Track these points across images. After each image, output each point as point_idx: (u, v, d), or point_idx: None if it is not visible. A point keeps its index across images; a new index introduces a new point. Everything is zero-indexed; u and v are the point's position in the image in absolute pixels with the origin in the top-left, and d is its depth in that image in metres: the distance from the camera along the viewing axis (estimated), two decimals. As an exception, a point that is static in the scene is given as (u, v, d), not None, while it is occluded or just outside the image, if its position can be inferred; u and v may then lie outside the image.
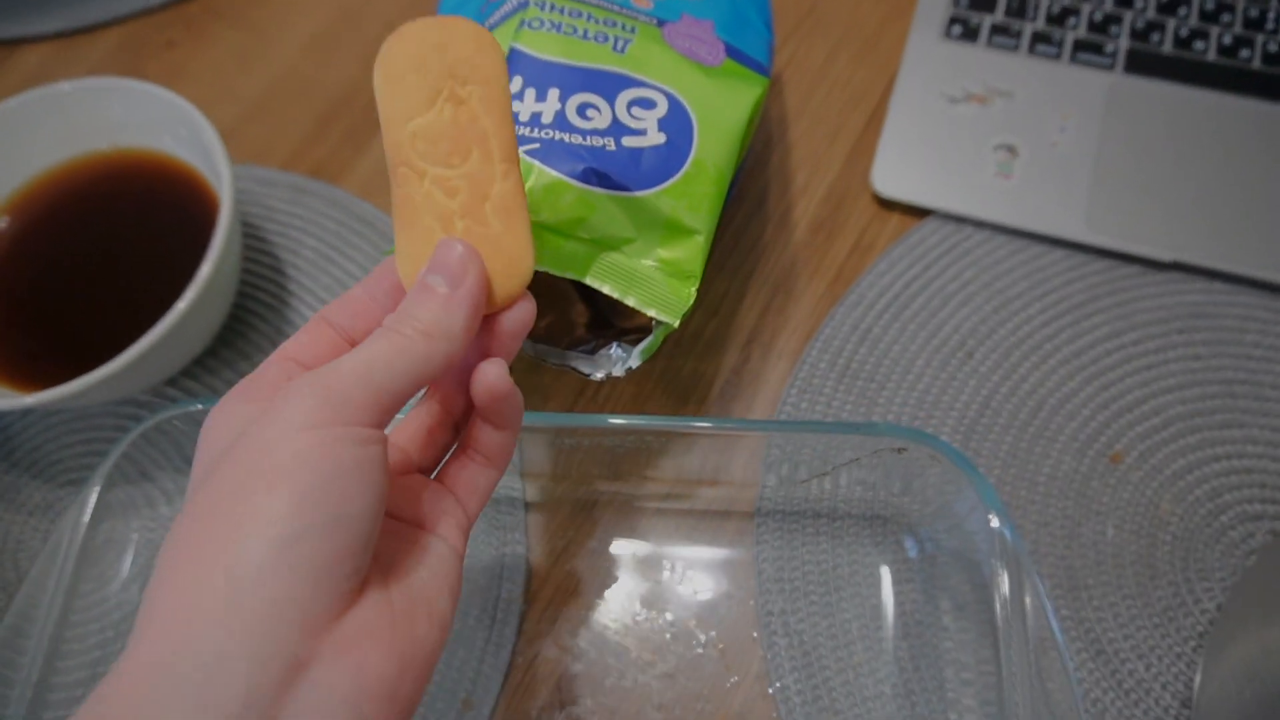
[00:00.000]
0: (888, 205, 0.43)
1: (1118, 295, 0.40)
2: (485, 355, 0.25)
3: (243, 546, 0.19)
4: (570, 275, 0.31)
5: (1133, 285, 0.40)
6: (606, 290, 0.31)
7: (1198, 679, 0.32)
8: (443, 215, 0.24)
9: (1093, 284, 0.40)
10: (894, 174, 0.42)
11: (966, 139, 0.42)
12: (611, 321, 0.35)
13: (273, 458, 0.20)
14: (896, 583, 0.35)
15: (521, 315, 0.25)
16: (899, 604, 0.34)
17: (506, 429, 0.25)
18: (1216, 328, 0.39)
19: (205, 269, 0.36)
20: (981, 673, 0.33)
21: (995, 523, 0.30)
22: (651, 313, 0.31)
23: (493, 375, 0.24)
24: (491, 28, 0.34)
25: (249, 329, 0.42)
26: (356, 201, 0.45)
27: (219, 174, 0.38)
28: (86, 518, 0.34)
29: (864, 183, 0.43)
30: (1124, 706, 0.33)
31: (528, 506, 0.37)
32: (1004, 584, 0.30)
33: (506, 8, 0.34)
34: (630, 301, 0.31)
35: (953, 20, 0.45)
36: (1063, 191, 0.41)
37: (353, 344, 0.24)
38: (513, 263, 0.24)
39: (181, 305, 0.35)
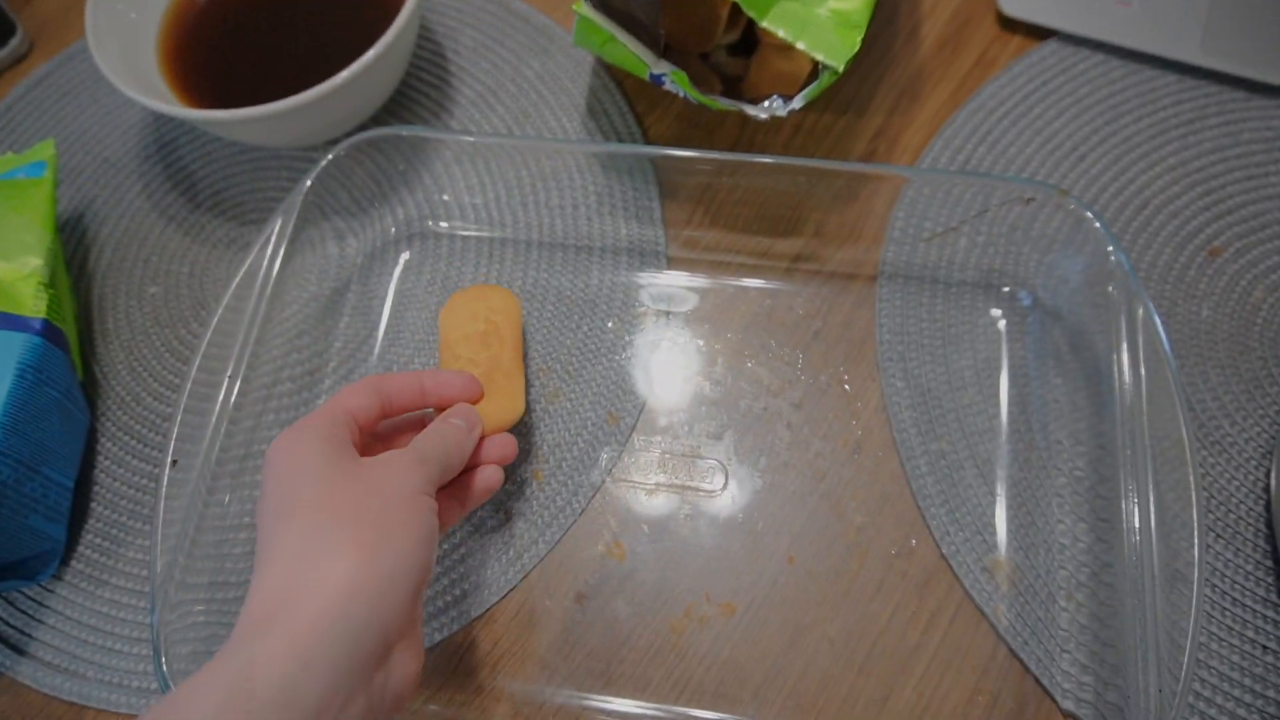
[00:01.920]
0: (1010, 26, 0.46)
1: (1226, 115, 0.43)
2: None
3: (384, 560, 0.26)
4: (751, 14, 0.35)
5: (1242, 106, 0.43)
6: (781, 34, 0.35)
7: (1278, 432, 0.36)
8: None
9: (1202, 104, 0.43)
10: (1020, 0, 0.45)
11: (1090, -31, 0.45)
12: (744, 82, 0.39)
13: (404, 507, 0.28)
14: (1009, 333, 0.38)
15: (493, 476, 0.34)
16: (1011, 353, 0.38)
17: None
18: (1315, 148, 0.42)
19: (391, 31, 0.39)
20: (1076, 417, 0.37)
21: (1114, 257, 0.34)
22: (820, 56, 0.35)
23: (495, 479, 0.34)
24: None
25: (413, 101, 0.46)
26: (510, 1, 0.49)
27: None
28: (283, 245, 0.38)
29: (988, 5, 0.46)
30: (1209, 456, 0.37)
31: (669, 255, 0.41)
32: (1121, 312, 0.33)
33: None
34: (800, 45, 0.35)
35: None
36: (1180, 16, 0.44)
37: (387, 414, 0.33)
38: (506, 408, 0.36)
39: (369, 56, 0.39)
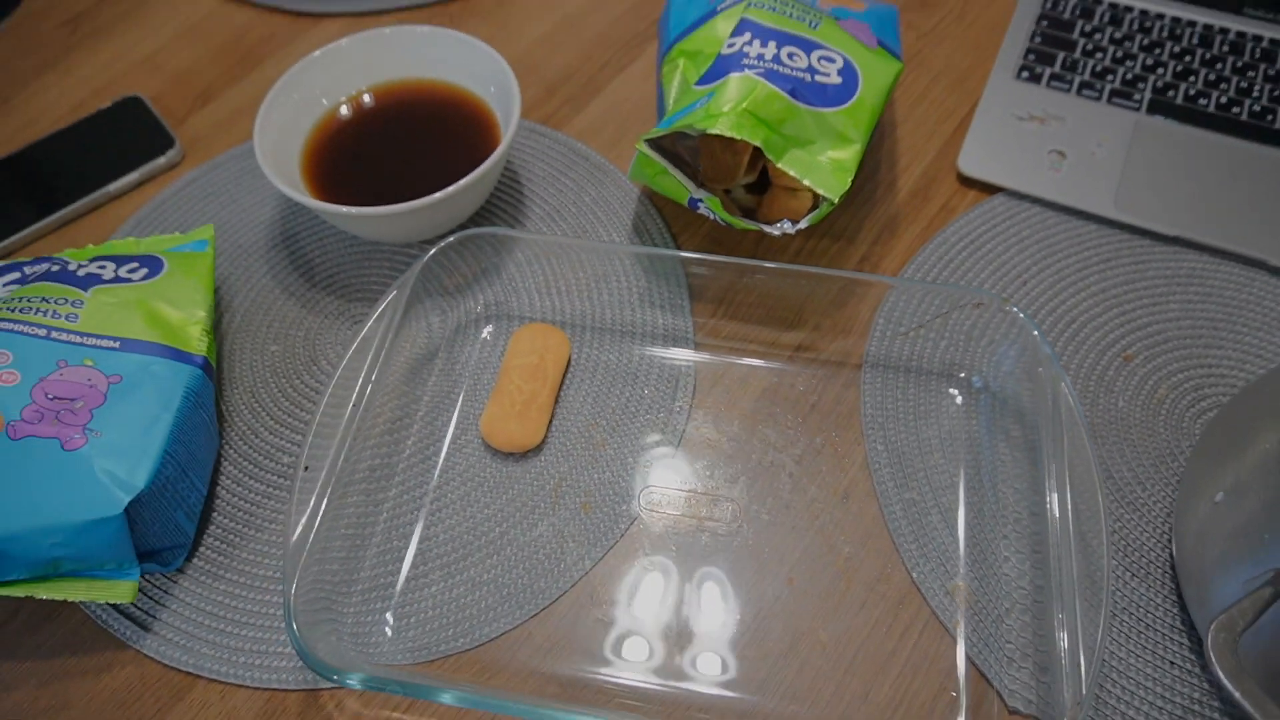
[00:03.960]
0: (967, 182, 0.58)
1: (1135, 256, 0.55)
2: None
3: None
4: (770, 158, 0.47)
5: (1146, 250, 0.55)
6: (792, 173, 0.47)
7: (1178, 495, 0.45)
8: (514, 400, 0.49)
9: (1116, 247, 0.55)
10: (974, 160, 0.58)
11: (1029, 144, 0.58)
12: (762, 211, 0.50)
13: None
14: (965, 409, 0.48)
15: None
16: (968, 424, 0.48)
17: None
18: (1202, 284, 0.53)
19: (488, 162, 0.51)
20: (1018, 475, 0.46)
21: (1042, 348, 0.44)
22: (820, 191, 0.47)
23: None
24: (721, 11, 0.51)
25: (495, 215, 0.58)
26: (573, 142, 0.61)
27: (508, 104, 0.54)
28: (398, 316, 0.48)
29: (950, 167, 0.59)
30: (1125, 513, 0.46)
31: (696, 341, 0.52)
32: (1047, 387, 0.43)
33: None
34: (806, 182, 0.47)
35: (1022, 68, 0.62)
36: (1098, 184, 0.56)
37: None
38: (528, 435, 0.48)
39: (470, 178, 0.51)
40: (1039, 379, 0.45)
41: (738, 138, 0.45)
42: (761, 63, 0.47)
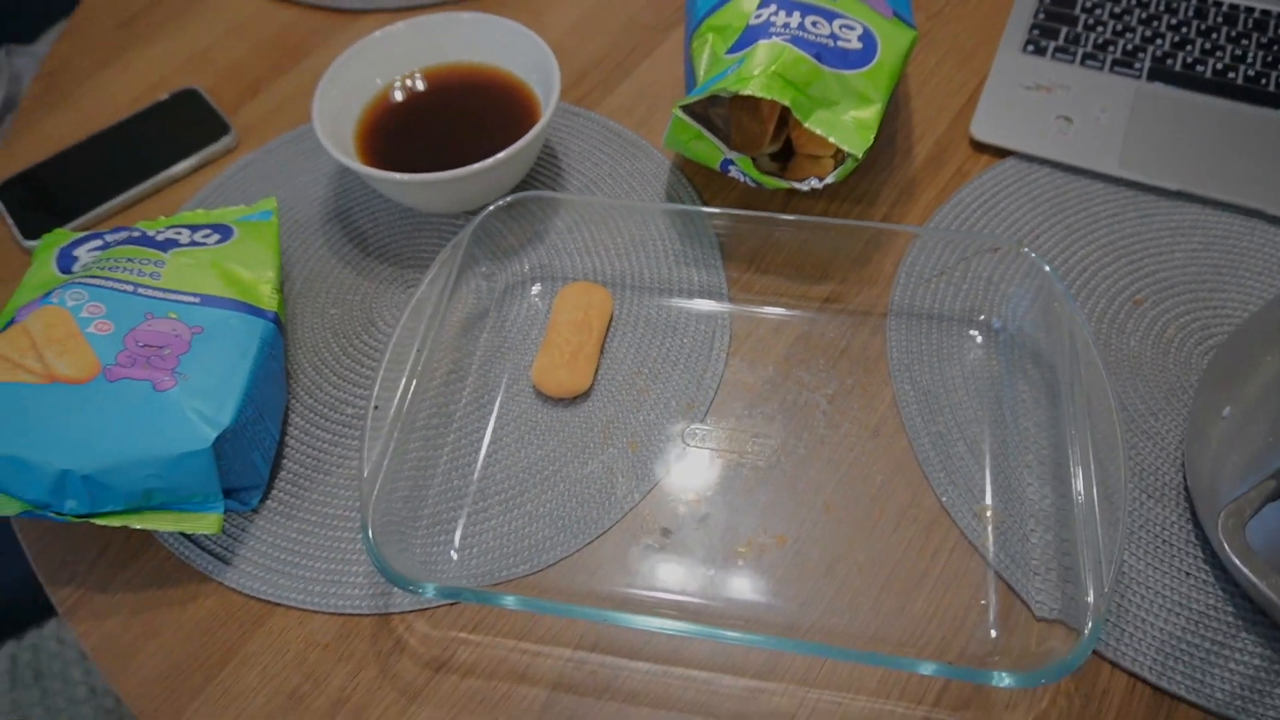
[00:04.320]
0: (980, 147, 0.62)
1: (1140, 210, 0.58)
2: None
3: None
4: (800, 118, 0.50)
5: (1151, 204, 0.58)
6: (819, 131, 0.50)
7: (1188, 422, 0.48)
8: (562, 351, 0.52)
9: (1123, 204, 0.58)
10: (986, 127, 0.61)
11: (1037, 111, 0.62)
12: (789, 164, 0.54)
13: None
14: (986, 349, 0.52)
15: None
16: (988, 363, 0.51)
17: None
18: (1205, 233, 0.56)
19: (528, 136, 0.55)
20: (1038, 409, 0.49)
21: (1057, 286, 0.47)
22: (845, 147, 0.50)
23: None
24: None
25: (533, 188, 0.61)
26: (607, 120, 0.65)
27: (548, 83, 0.57)
28: (453, 276, 0.51)
29: (963, 135, 0.63)
30: (1140, 441, 0.49)
31: (730, 295, 0.55)
32: (1065, 325, 0.47)
33: (759, -25, 0.55)
34: (832, 139, 0.50)
35: (1028, 42, 0.66)
36: (1103, 145, 0.60)
37: None
38: (577, 381, 0.51)
39: (510, 150, 0.54)
40: (1054, 317, 0.48)
41: (768, 98, 0.49)
42: (788, 30, 0.51)
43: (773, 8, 0.52)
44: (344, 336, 0.56)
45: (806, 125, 0.50)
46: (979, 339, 0.52)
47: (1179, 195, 0.58)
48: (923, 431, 0.50)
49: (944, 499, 0.47)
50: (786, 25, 0.51)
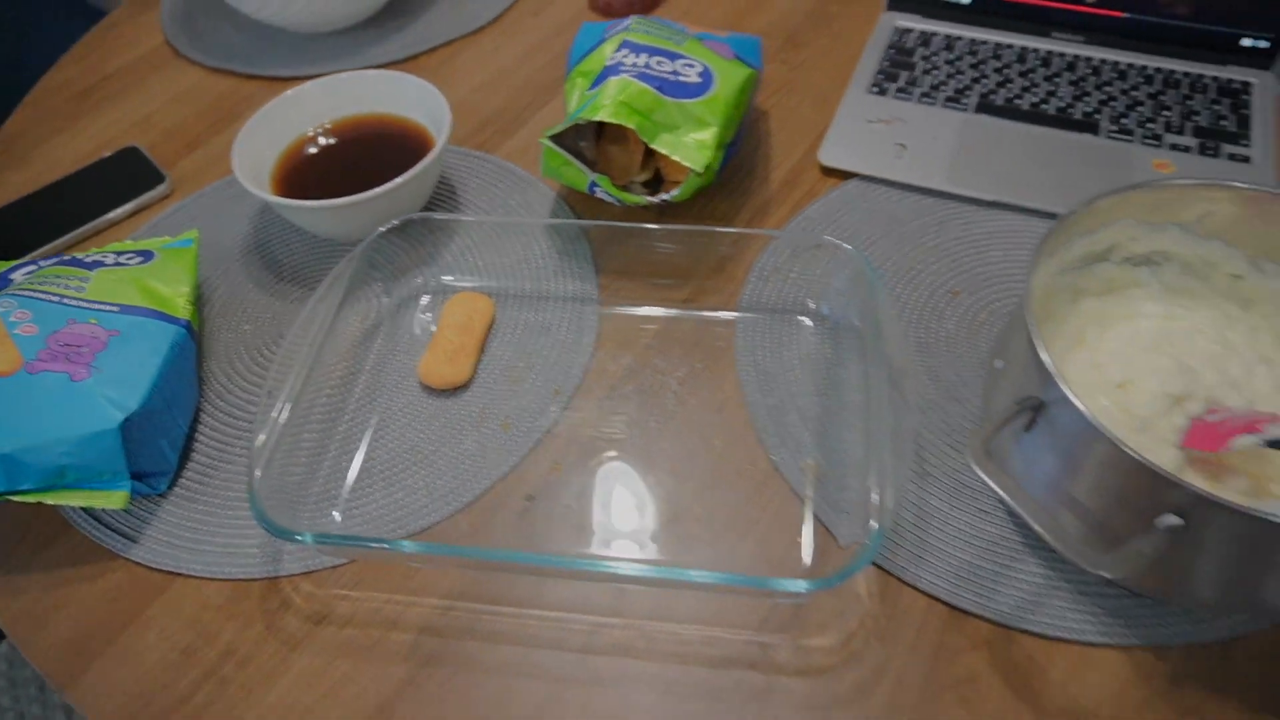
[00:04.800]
0: (828, 172, 0.70)
1: (964, 218, 0.66)
2: None
3: None
4: (645, 139, 0.58)
5: (971, 213, 0.66)
6: (663, 150, 0.58)
7: (984, 383, 0.55)
8: (445, 349, 0.58)
9: (948, 213, 0.66)
10: (833, 153, 0.70)
11: (878, 140, 0.70)
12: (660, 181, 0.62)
13: None
14: (816, 332, 0.58)
15: None
16: (819, 345, 0.58)
17: None
18: (1017, 235, 0.64)
19: (412, 170, 0.63)
20: (861, 381, 0.56)
21: (867, 270, 0.55)
22: (686, 163, 0.58)
23: None
24: (609, 38, 0.64)
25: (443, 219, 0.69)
26: (502, 161, 0.73)
27: (440, 126, 0.66)
28: (340, 288, 0.58)
29: (814, 162, 0.71)
30: (949, 404, 0.55)
31: (601, 299, 0.62)
32: (876, 312, 0.54)
33: (619, 27, 0.64)
34: (675, 157, 0.58)
35: (873, 84, 0.75)
36: (934, 166, 0.68)
37: None
38: (457, 373, 0.58)
39: (397, 181, 0.62)
40: (869, 301, 0.55)
41: (616, 122, 0.57)
42: (635, 68, 0.59)
43: (625, 51, 0.61)
44: (254, 349, 0.62)
45: (653, 145, 0.59)
46: (811, 325, 0.59)
47: (995, 205, 0.66)
48: (760, 405, 0.56)
49: (775, 459, 0.53)
50: (634, 64, 0.60)
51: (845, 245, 0.57)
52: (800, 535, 0.51)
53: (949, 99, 0.73)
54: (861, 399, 0.55)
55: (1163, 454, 0.47)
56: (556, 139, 0.62)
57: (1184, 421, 0.48)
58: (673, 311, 0.62)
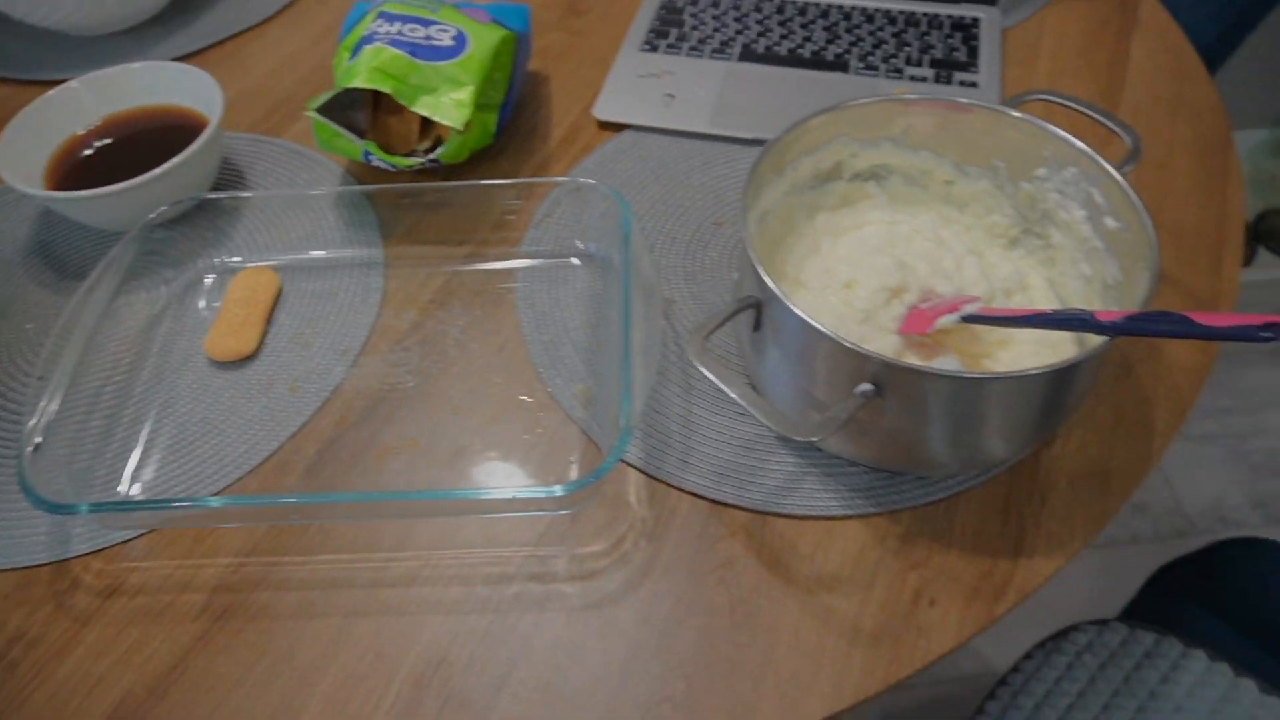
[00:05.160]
0: (604, 126, 0.74)
1: (727, 156, 0.71)
2: None
3: None
4: (404, 103, 0.61)
5: (735, 151, 0.71)
6: (423, 112, 0.61)
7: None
8: (230, 323, 0.60)
9: (713, 154, 0.71)
10: (607, 108, 0.74)
11: (648, 92, 0.75)
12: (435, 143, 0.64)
13: None
14: (585, 270, 0.62)
15: None
16: (589, 281, 0.61)
17: None
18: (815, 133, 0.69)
19: (195, 144, 0.63)
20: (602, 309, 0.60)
21: (619, 205, 0.58)
22: (446, 121, 0.61)
23: None
24: (370, 11, 0.66)
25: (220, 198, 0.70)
26: (289, 143, 0.74)
27: (214, 105, 0.67)
28: (115, 273, 0.59)
29: (590, 118, 0.74)
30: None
31: (386, 261, 0.64)
32: (635, 249, 0.57)
33: (379, 1, 0.66)
34: (435, 117, 0.61)
35: (645, 42, 0.79)
36: (699, 112, 0.73)
37: None
38: (243, 345, 0.59)
39: (162, 168, 0.63)
40: (623, 232, 0.59)
41: (371, 87, 0.60)
42: (388, 35, 0.62)
43: (380, 21, 0.63)
44: (38, 345, 0.62)
45: (414, 108, 0.61)
46: (581, 265, 0.63)
47: (755, 141, 0.71)
48: (537, 342, 0.59)
49: (550, 388, 0.57)
50: (388, 32, 0.62)
51: (601, 186, 0.60)
52: (572, 453, 0.54)
53: (715, 50, 0.78)
54: (624, 325, 0.59)
55: (883, 340, 0.52)
56: (330, 114, 0.63)
57: (902, 310, 0.53)
58: (457, 267, 0.64)
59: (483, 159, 0.71)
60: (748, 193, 0.51)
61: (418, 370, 0.58)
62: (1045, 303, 0.56)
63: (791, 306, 0.45)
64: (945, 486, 0.52)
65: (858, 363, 0.44)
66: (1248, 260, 1.51)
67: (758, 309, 0.49)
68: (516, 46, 0.68)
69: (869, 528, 0.51)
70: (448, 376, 0.58)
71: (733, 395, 0.44)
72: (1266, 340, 0.36)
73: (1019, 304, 0.56)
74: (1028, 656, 0.77)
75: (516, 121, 0.74)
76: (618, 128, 0.74)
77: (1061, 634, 0.77)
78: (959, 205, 0.60)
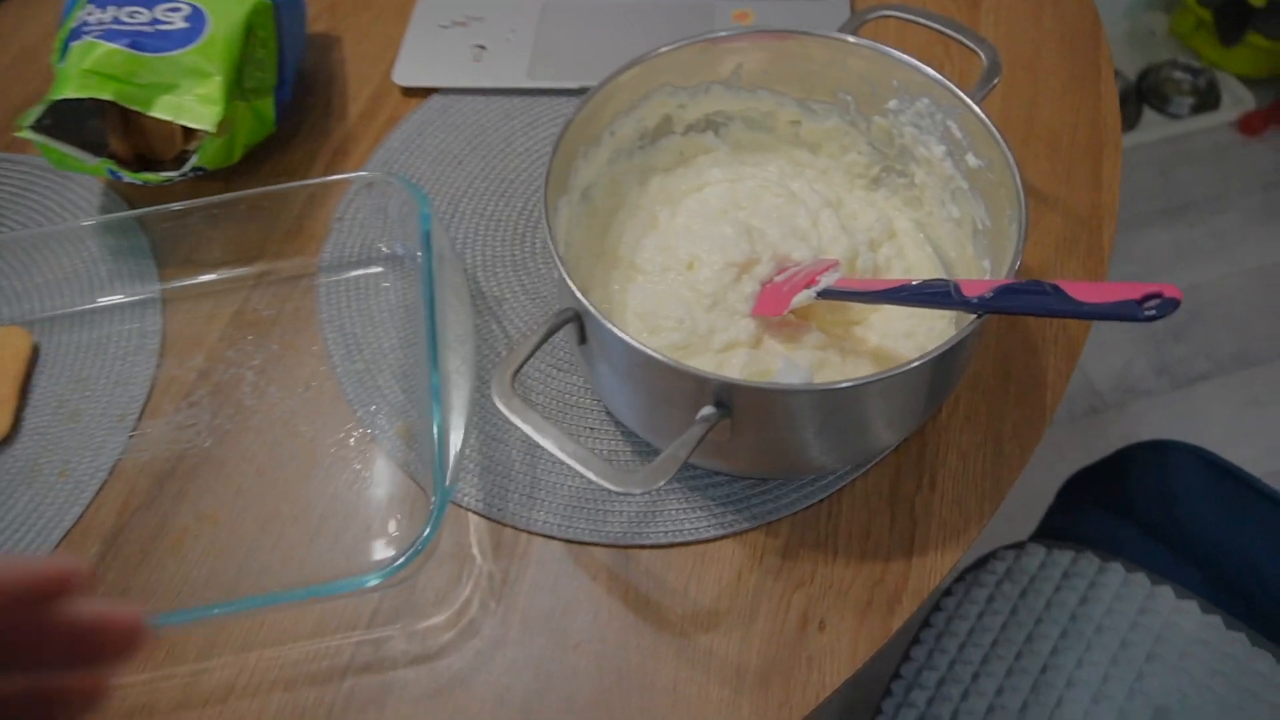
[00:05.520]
0: (409, 93, 0.64)
1: (554, 112, 0.61)
2: None
3: None
4: (136, 108, 0.50)
5: (561, 105, 0.62)
6: (164, 115, 0.50)
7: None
8: None
9: (537, 112, 0.61)
10: (408, 71, 0.63)
11: (454, 46, 0.64)
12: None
13: None
14: (392, 274, 0.53)
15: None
16: (400, 289, 0.53)
17: None
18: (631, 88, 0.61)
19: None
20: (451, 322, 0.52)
21: (416, 200, 0.49)
22: (194, 124, 0.50)
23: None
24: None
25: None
26: (37, 160, 0.62)
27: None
28: None
29: (393, 84, 0.64)
30: (539, 316, 0.52)
31: (164, 296, 0.54)
32: (439, 248, 0.49)
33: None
34: (182, 121, 0.50)
35: (447, -16, 0.68)
36: (513, 64, 0.63)
37: None
38: None
39: None
40: (425, 228, 0.50)
41: (89, 96, 0.48)
42: (100, 26, 0.50)
43: (91, 8, 0.51)
44: None
45: (153, 113, 0.50)
46: (387, 271, 0.54)
47: (582, 91, 0.62)
48: (348, 373, 0.51)
49: (369, 429, 0.49)
50: (100, 22, 0.50)
51: (394, 179, 0.51)
52: (402, 506, 0.46)
53: (528, -16, 0.68)
54: (430, 350, 0.51)
55: (737, 327, 0.45)
56: (59, 127, 0.52)
57: (755, 288, 0.46)
58: (248, 292, 0.54)
59: (269, 151, 0.60)
60: (550, 182, 0.43)
61: (211, 429, 0.49)
62: (914, 250, 0.50)
63: (610, 327, 0.38)
64: (825, 485, 0.46)
65: (695, 385, 0.37)
66: (1132, 123, 1.48)
67: (579, 321, 0.41)
68: (278, 12, 0.57)
69: (745, 546, 0.45)
70: (247, 431, 0.49)
71: (548, 447, 0.37)
72: (1149, 319, 0.30)
73: (885, 255, 0.49)
74: (948, 593, 0.74)
75: (303, 99, 0.63)
76: (424, 92, 0.63)
77: (980, 563, 0.74)
78: (811, 147, 0.52)
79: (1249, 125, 1.47)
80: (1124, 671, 0.68)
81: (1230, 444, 1.22)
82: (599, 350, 0.41)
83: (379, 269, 0.54)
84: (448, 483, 0.41)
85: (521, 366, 0.39)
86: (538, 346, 0.39)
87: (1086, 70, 0.62)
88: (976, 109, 0.43)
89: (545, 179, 0.42)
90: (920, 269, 0.49)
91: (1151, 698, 0.67)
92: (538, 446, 0.47)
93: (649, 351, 0.37)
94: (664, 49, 0.47)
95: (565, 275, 0.39)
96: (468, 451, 0.47)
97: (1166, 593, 0.71)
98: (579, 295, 0.38)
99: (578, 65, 0.62)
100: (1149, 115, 1.49)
